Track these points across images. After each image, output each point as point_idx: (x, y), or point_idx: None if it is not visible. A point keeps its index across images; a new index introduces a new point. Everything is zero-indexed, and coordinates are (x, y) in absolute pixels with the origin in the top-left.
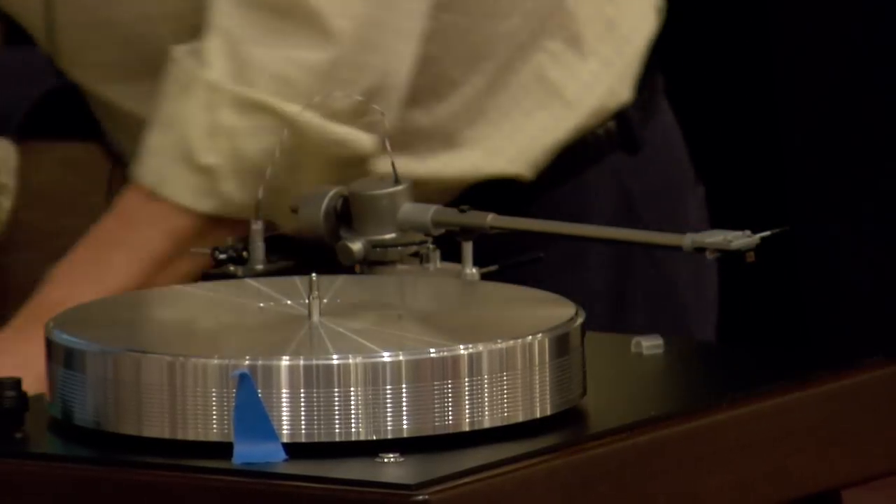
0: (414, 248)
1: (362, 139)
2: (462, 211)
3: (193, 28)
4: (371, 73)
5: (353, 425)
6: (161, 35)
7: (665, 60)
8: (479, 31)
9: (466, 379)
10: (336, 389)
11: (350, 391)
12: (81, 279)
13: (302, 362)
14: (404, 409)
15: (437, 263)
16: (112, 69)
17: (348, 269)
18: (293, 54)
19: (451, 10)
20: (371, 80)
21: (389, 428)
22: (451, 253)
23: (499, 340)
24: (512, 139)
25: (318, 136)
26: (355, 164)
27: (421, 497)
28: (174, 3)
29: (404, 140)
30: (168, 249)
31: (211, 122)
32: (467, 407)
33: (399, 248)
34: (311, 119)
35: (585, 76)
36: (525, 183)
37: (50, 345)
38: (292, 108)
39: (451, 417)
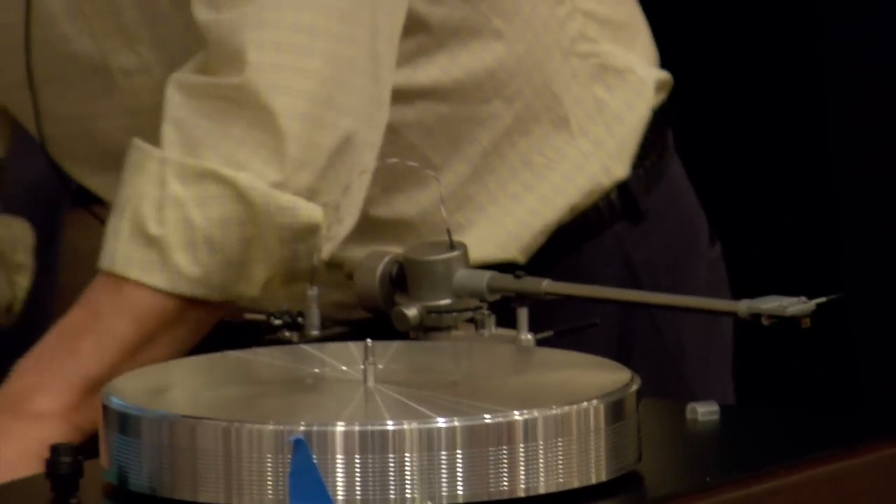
0: (469, 314)
1: (310, 208)
2: (517, 277)
3: None
4: (325, 150)
5: (407, 491)
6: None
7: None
8: (459, 116)
9: (521, 445)
10: (391, 455)
11: (405, 457)
12: (47, 368)
13: (357, 428)
14: (459, 474)
15: (492, 329)
16: (94, 165)
17: (403, 335)
18: (244, 139)
19: (427, 98)
20: (325, 156)
21: (444, 494)
22: (506, 318)
23: (554, 406)
24: (501, 224)
25: (264, 203)
26: (305, 236)
27: None
28: (150, 118)
29: (394, 231)
30: (133, 335)
31: (160, 194)
32: (522, 473)
33: (454, 314)
34: (259, 186)
35: (575, 157)
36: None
37: (106, 410)
38: (241, 176)
39: (506, 483)
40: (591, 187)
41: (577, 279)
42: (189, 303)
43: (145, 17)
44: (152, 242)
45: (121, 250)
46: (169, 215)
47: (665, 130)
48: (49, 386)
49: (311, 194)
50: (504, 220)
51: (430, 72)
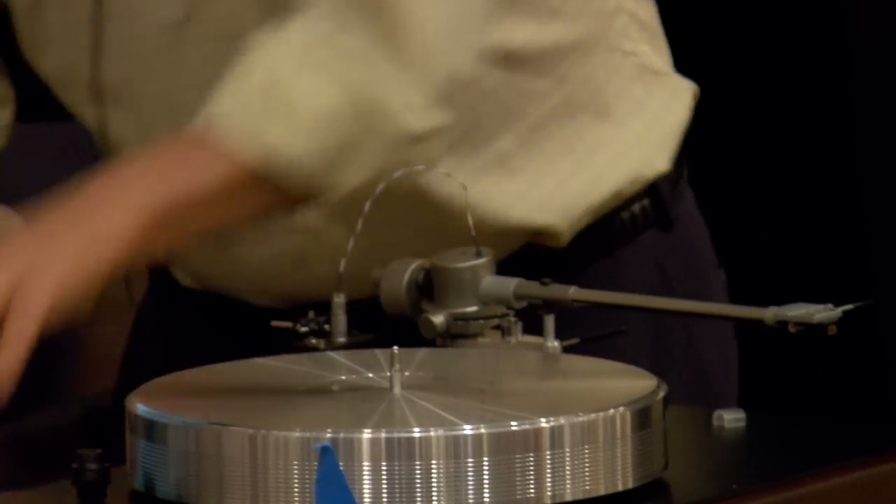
0: (496, 321)
1: (432, 114)
2: (544, 284)
3: None
4: (441, 71)
5: (434, 499)
6: None
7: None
8: (512, 85)
9: (548, 452)
10: (417, 462)
11: (431, 464)
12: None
13: (384, 435)
14: (486, 481)
15: (518, 336)
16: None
17: (430, 342)
18: (377, 40)
19: (488, 59)
20: (441, 78)
21: (471, 501)
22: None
23: (580, 413)
24: (550, 195)
25: (387, 99)
26: (421, 140)
27: None
28: None
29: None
30: (222, 179)
31: (293, 65)
32: (549, 480)
33: (481, 321)
34: (388, 82)
35: (618, 146)
36: (560, 261)
37: (132, 417)
38: (370, 70)
39: (532, 490)
40: (635, 176)
41: (610, 285)
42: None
43: None
44: (271, 104)
45: (237, 106)
46: (299, 86)
47: (685, 153)
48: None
49: (434, 102)
50: (555, 194)
51: (493, 34)
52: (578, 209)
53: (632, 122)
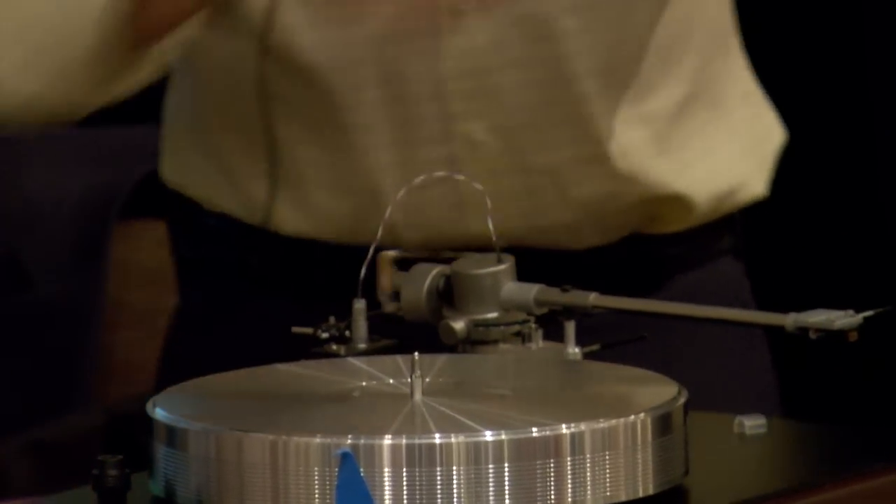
0: (516, 328)
1: None
2: (565, 290)
3: None
4: None
5: None
6: None
7: None
8: (670, 34)
9: (569, 458)
10: (438, 468)
11: (452, 470)
12: None
13: (404, 441)
14: (507, 488)
15: (539, 343)
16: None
17: (451, 348)
18: None
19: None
20: None
21: None
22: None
23: (601, 419)
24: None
25: None
26: None
27: None
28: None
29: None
30: None
31: None
32: (570, 486)
33: (501, 327)
34: None
35: (734, 150)
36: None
37: (152, 423)
38: None
39: (553, 496)
40: (736, 186)
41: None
42: None
43: None
44: None
45: None
46: None
47: None
48: None
49: None
50: (693, 164)
51: None
52: (706, 191)
53: (746, 131)
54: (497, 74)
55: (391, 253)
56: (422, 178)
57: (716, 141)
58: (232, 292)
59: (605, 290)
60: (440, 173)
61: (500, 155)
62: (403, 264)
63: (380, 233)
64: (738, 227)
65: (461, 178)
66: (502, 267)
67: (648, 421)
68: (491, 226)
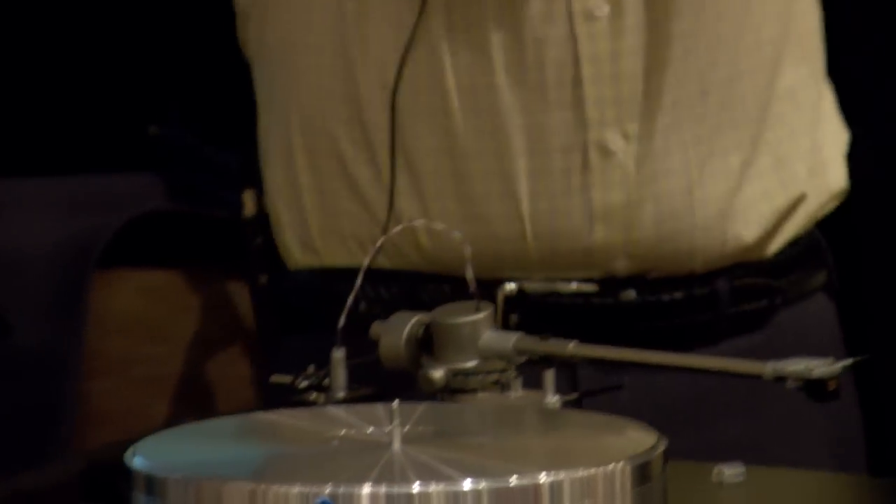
0: (496, 376)
1: None
2: (544, 338)
3: None
4: None
5: None
6: None
7: None
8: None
9: None
10: None
11: None
12: None
13: (383, 490)
14: None
15: (518, 391)
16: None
17: (430, 396)
18: None
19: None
20: None
21: None
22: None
23: (580, 468)
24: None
25: None
26: None
27: None
28: None
29: None
30: None
31: None
32: None
33: (480, 375)
34: None
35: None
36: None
37: (131, 472)
38: None
39: None
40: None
41: (794, 334)
42: None
43: None
44: None
45: None
46: None
47: None
48: None
49: None
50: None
51: None
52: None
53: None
54: (631, 79)
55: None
56: (399, 227)
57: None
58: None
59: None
60: (419, 221)
61: (633, 162)
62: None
63: (367, 261)
64: (830, 262)
65: (440, 227)
66: (481, 315)
67: (627, 470)
68: (470, 274)
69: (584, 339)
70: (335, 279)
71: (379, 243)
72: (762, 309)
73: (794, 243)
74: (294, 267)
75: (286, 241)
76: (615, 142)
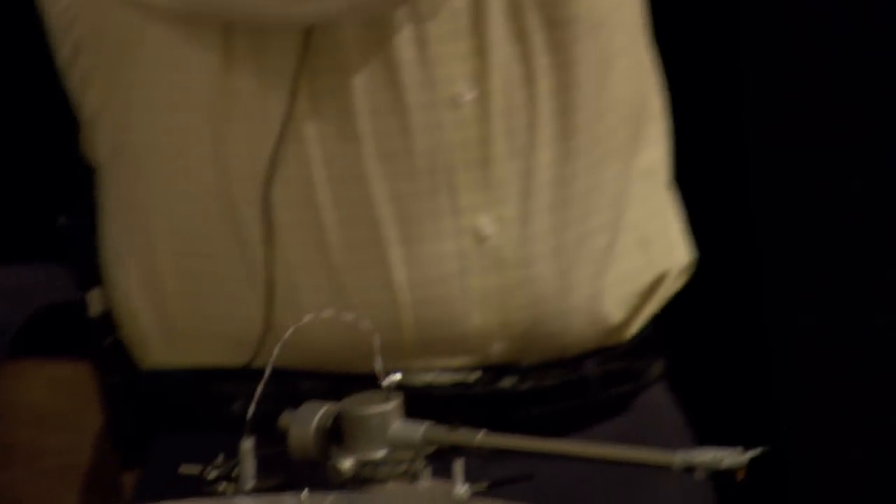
0: (405, 466)
1: None
2: (453, 428)
3: None
4: None
5: None
6: None
7: None
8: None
9: None
10: None
11: None
12: None
13: None
14: None
15: (427, 481)
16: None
17: (340, 487)
18: None
19: None
20: None
21: None
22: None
23: None
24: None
25: None
26: None
27: None
28: None
29: None
30: None
31: None
32: None
33: (389, 465)
34: None
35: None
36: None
37: None
38: None
39: None
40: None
41: (652, 418)
42: None
43: None
44: None
45: None
46: None
47: None
48: None
49: None
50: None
51: None
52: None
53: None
54: (500, 163)
55: None
56: (309, 316)
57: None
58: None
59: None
60: (328, 311)
61: (511, 252)
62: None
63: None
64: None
65: (350, 317)
66: (390, 406)
67: None
68: (379, 365)
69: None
70: (207, 378)
71: (288, 334)
72: (626, 393)
73: (648, 325)
74: (153, 366)
75: (145, 340)
76: (489, 226)
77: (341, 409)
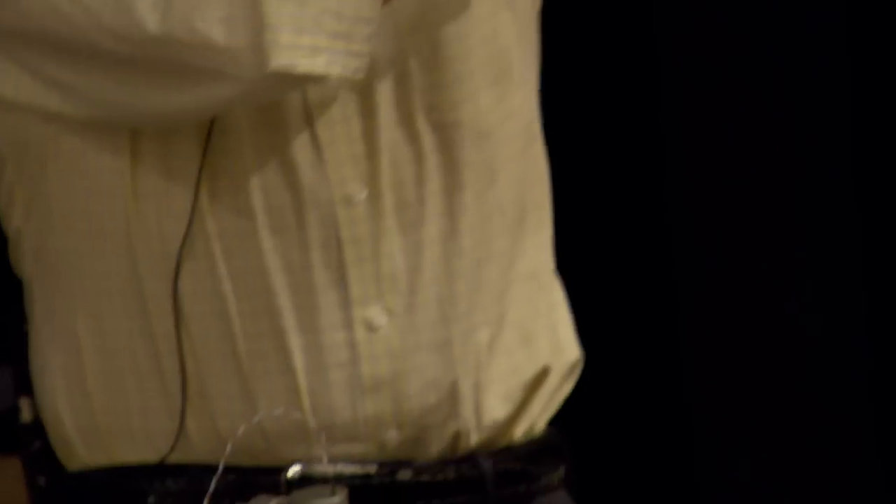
0: None
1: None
2: None
3: None
4: None
5: None
6: None
7: None
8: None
9: None
10: None
11: None
12: None
13: None
14: None
15: None
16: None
17: None
18: None
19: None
20: None
21: None
22: None
23: None
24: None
25: None
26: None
27: None
28: None
29: None
30: None
31: None
32: None
33: None
34: None
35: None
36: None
37: None
38: None
39: None
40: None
41: None
42: None
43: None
44: None
45: None
46: None
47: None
48: None
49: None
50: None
51: None
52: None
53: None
54: (390, 258)
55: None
56: (262, 413)
57: None
58: None
59: None
60: (278, 410)
61: (400, 342)
62: None
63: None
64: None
65: (298, 415)
66: (336, 499)
67: None
68: (325, 459)
69: None
70: (124, 476)
71: (241, 431)
72: (522, 494)
73: (544, 434)
74: (77, 468)
75: (69, 443)
76: (379, 317)
77: (290, 502)
